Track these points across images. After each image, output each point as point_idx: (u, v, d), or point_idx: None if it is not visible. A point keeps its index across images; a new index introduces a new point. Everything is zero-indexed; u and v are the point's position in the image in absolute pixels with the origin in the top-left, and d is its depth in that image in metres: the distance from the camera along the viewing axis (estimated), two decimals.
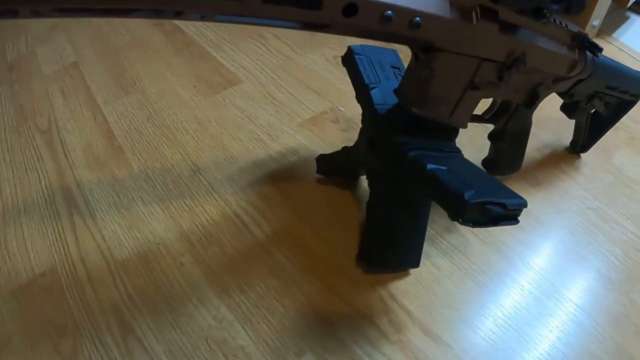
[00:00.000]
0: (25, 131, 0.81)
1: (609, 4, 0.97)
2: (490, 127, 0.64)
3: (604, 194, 0.71)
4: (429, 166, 0.44)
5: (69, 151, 0.77)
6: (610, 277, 0.61)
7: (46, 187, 0.71)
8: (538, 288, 0.59)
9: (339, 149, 0.66)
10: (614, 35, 1.04)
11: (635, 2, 1.08)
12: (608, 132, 0.74)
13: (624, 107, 0.71)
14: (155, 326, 0.55)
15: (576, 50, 0.55)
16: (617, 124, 0.73)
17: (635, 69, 0.67)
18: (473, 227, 0.40)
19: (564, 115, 0.71)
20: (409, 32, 0.39)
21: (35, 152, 0.77)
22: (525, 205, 0.42)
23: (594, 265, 0.62)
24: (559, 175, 0.73)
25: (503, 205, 0.40)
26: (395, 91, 0.50)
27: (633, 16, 1.11)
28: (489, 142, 0.66)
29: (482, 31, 0.44)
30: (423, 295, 0.58)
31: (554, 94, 0.62)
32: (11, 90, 0.90)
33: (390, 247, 0.58)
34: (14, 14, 0.26)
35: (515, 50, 0.48)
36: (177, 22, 1.03)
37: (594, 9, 0.94)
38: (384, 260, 0.59)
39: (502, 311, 0.57)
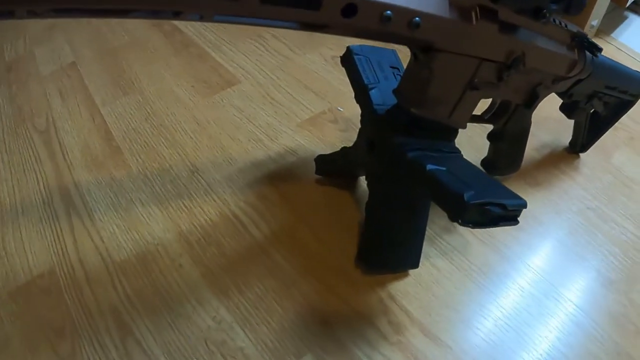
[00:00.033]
0: (23, 132, 0.81)
1: (607, 4, 0.97)
2: (490, 127, 0.64)
3: (603, 194, 0.71)
4: (429, 167, 0.44)
5: (67, 152, 0.76)
6: (610, 277, 0.61)
7: (44, 187, 0.71)
8: (537, 288, 0.59)
9: (338, 149, 0.65)
10: (612, 35, 1.04)
11: (633, 2, 1.08)
12: (607, 132, 0.74)
13: (623, 107, 0.71)
14: (154, 328, 0.55)
15: (575, 50, 0.55)
16: (617, 123, 0.73)
17: (634, 68, 0.67)
18: (473, 228, 0.40)
19: (563, 115, 0.71)
20: (408, 33, 0.39)
21: (33, 152, 0.77)
22: (525, 205, 0.42)
23: (593, 265, 0.62)
24: (558, 175, 0.73)
25: (503, 206, 0.40)
26: (395, 91, 0.50)
27: (632, 16, 1.11)
28: (488, 143, 0.66)
29: (481, 31, 0.44)
30: (422, 296, 0.58)
31: (553, 94, 0.62)
32: (9, 90, 0.90)
33: (390, 248, 0.58)
34: (10, 14, 0.26)
35: (515, 50, 0.48)
36: (175, 22, 1.03)
37: (592, 8, 0.94)
38: (383, 261, 0.59)
39: (501, 312, 0.57)
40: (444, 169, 0.44)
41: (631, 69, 0.67)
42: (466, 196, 0.39)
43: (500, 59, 0.48)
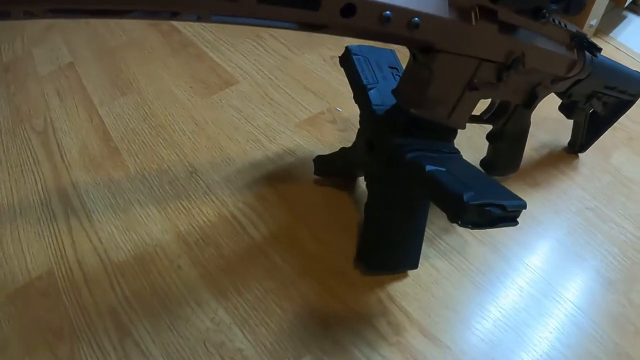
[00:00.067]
0: (21, 132, 0.81)
1: (606, 4, 0.97)
2: (489, 127, 0.64)
3: (603, 194, 0.71)
4: (428, 168, 0.44)
5: (65, 152, 0.76)
6: (609, 277, 0.61)
7: (42, 188, 0.71)
8: (536, 288, 0.59)
9: (337, 149, 0.65)
10: (611, 34, 1.04)
11: (632, 1, 1.08)
12: (606, 132, 0.74)
13: (622, 107, 0.71)
14: (153, 329, 0.54)
15: (575, 50, 0.55)
16: (615, 123, 0.73)
17: (633, 68, 0.67)
18: (472, 228, 0.40)
19: (562, 115, 0.70)
20: (407, 33, 0.39)
21: (31, 153, 0.77)
22: (524, 206, 0.42)
23: (592, 265, 0.62)
24: (557, 175, 0.73)
25: (502, 207, 0.40)
26: (394, 92, 0.50)
27: (630, 15, 1.11)
28: (487, 143, 0.66)
29: (481, 32, 0.43)
30: (422, 297, 0.58)
31: (552, 94, 0.62)
32: (7, 91, 0.90)
33: (389, 249, 0.58)
34: (6, 15, 0.26)
35: (515, 50, 0.48)
36: (174, 22, 1.02)
37: (591, 8, 0.94)
38: (383, 262, 0.59)
39: (500, 312, 0.56)
40: (443, 169, 0.44)
41: (630, 69, 0.67)
42: (466, 197, 0.39)
43: (499, 59, 0.48)
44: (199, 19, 0.32)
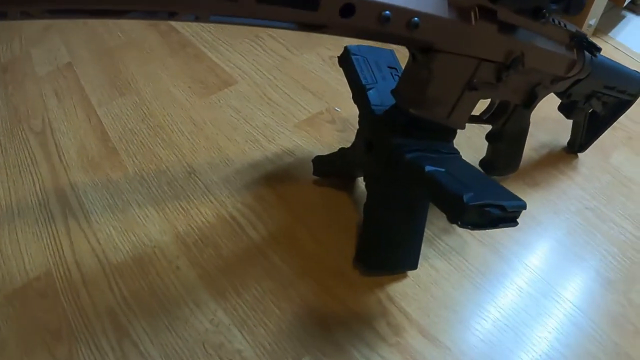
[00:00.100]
0: (19, 133, 0.81)
1: (605, 3, 0.97)
2: (488, 127, 0.64)
3: (602, 193, 0.71)
4: (427, 168, 0.44)
5: (63, 153, 0.76)
6: (609, 277, 0.61)
7: (40, 189, 0.71)
8: (536, 288, 0.59)
9: (336, 150, 0.65)
10: (610, 34, 1.04)
11: (631, 1, 1.08)
12: (606, 131, 0.74)
13: (621, 107, 0.71)
14: (151, 330, 0.54)
15: (574, 50, 0.55)
16: (615, 123, 0.73)
17: (632, 67, 0.67)
18: (472, 229, 0.40)
19: (561, 115, 0.70)
20: (407, 33, 0.39)
21: (29, 154, 0.77)
22: (524, 207, 0.42)
23: (592, 265, 0.62)
24: (557, 175, 0.73)
25: (502, 208, 0.40)
26: (393, 92, 0.50)
27: (629, 15, 1.11)
28: (486, 143, 0.66)
29: (480, 31, 0.43)
30: (421, 297, 0.57)
31: (551, 94, 0.62)
32: (5, 91, 0.90)
33: (388, 249, 0.58)
34: (3, 15, 0.25)
35: (514, 50, 0.48)
36: (172, 22, 1.02)
37: (590, 8, 0.94)
38: (382, 262, 0.59)
39: (500, 312, 0.56)
40: (442, 170, 0.44)
41: (629, 69, 0.67)
42: (465, 198, 0.39)
43: (499, 59, 0.48)
44: (197, 19, 0.32)
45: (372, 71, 0.59)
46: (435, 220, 0.64)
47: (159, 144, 0.76)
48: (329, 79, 0.89)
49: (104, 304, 0.57)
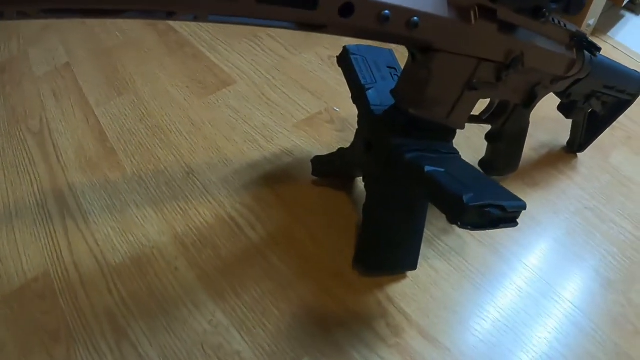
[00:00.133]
0: (17, 133, 0.80)
1: (604, 3, 0.97)
2: (488, 127, 0.64)
3: (602, 193, 0.71)
4: (427, 168, 0.44)
5: (61, 153, 0.76)
6: (608, 277, 0.61)
7: (38, 190, 0.70)
8: (535, 289, 0.59)
9: (335, 150, 0.65)
10: (609, 34, 1.04)
11: (630, 1, 1.08)
12: (605, 131, 0.74)
13: (621, 107, 0.71)
14: (150, 331, 0.54)
15: (574, 49, 0.55)
16: (614, 123, 0.73)
17: (631, 67, 0.67)
18: (472, 230, 0.40)
19: (560, 114, 0.70)
20: (406, 33, 0.39)
21: (27, 154, 0.76)
22: (524, 207, 0.42)
23: (591, 265, 0.62)
24: (556, 175, 0.73)
25: (502, 208, 0.40)
26: (392, 92, 0.50)
27: (628, 15, 1.11)
28: (486, 143, 0.66)
29: (480, 31, 0.43)
30: (420, 298, 0.57)
31: (551, 93, 0.61)
32: (3, 91, 0.89)
33: (387, 250, 0.58)
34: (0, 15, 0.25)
35: (514, 50, 0.47)
36: (170, 22, 1.02)
37: (589, 7, 0.94)
38: (381, 263, 0.59)
39: (499, 313, 0.56)
40: (442, 170, 0.44)
41: (629, 68, 0.66)
42: (465, 198, 0.38)
43: (499, 59, 0.47)
44: (195, 18, 0.31)
45: (371, 71, 0.59)
46: (435, 220, 0.64)
47: (157, 144, 0.76)
48: (328, 78, 0.88)
49: (102, 305, 0.57)
